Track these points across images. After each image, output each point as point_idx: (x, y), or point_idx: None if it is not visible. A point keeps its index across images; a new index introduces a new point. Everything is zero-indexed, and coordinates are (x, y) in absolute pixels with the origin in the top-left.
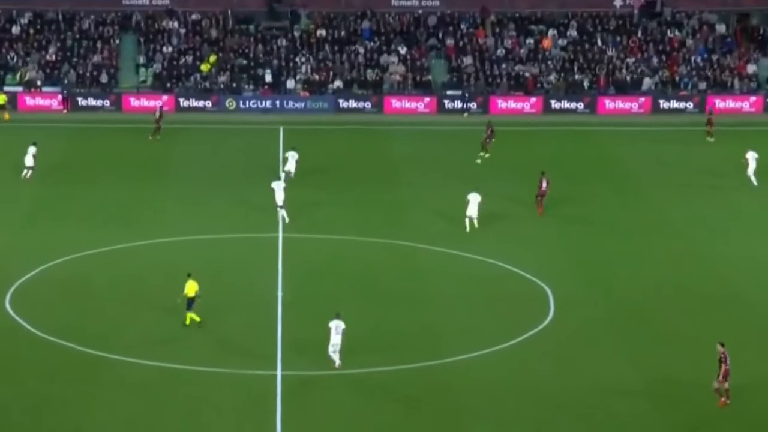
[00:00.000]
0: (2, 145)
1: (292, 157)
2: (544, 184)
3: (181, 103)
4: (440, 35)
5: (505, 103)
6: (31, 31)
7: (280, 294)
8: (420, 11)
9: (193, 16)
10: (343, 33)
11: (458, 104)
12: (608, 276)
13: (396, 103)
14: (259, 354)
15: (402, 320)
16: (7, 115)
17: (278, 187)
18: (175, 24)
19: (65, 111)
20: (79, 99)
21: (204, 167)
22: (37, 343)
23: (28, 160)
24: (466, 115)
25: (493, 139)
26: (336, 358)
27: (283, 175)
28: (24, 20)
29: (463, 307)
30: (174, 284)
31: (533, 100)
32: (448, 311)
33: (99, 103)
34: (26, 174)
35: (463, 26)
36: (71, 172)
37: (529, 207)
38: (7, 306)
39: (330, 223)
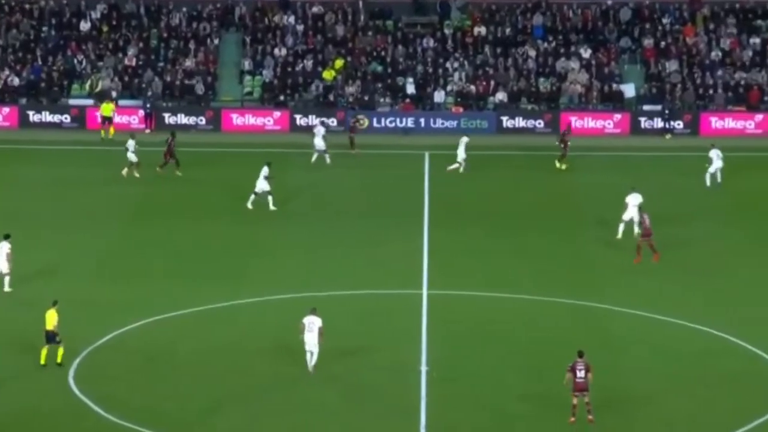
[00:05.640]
0: (70, 176)
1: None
2: (647, 221)
3: (297, 121)
4: (635, 33)
5: (721, 122)
6: (105, 28)
7: (423, 369)
8: (609, 2)
9: (314, 9)
10: (508, 31)
11: (658, 123)
12: None
13: (576, 121)
14: None
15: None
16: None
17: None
18: (291, 19)
19: (148, 130)
20: (166, 115)
21: (325, 204)
22: (109, 429)
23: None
24: (668, 137)
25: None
26: (309, 360)
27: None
28: (96, 14)
29: (666, 389)
30: (284, 354)
31: (759, 117)
32: (647, 395)
33: (191, 120)
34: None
35: (666, 21)
36: (155, 210)
37: (757, 260)
38: (71, 382)
39: (491, 277)
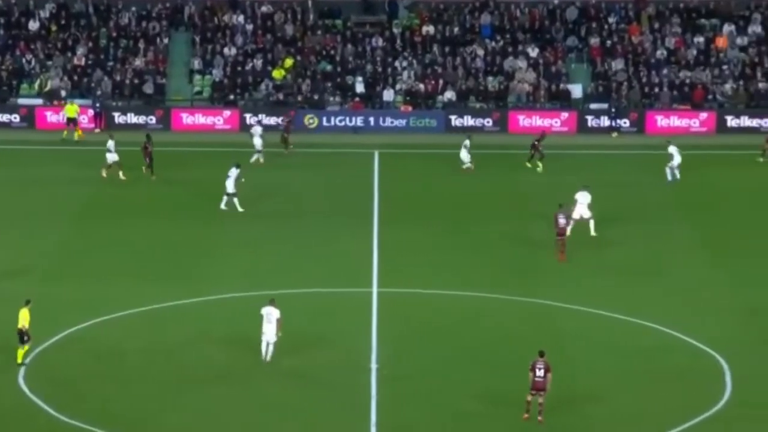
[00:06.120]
0: (19, 176)
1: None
2: (562, 220)
3: (248, 120)
4: (582, 32)
5: (666, 120)
6: (54, 27)
7: (374, 366)
8: (556, 1)
9: (263, 8)
10: (456, 30)
11: (605, 121)
12: None
13: (524, 120)
14: None
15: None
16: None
17: (232, 174)
18: (240, 18)
19: (98, 129)
20: (116, 114)
21: (275, 203)
22: (59, 429)
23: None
24: (615, 135)
25: None
26: (263, 350)
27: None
28: (45, 13)
29: (610, 383)
30: (234, 351)
31: (703, 116)
32: (593, 389)
33: (141, 119)
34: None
35: (612, 20)
36: (106, 210)
37: (702, 256)
38: (21, 381)
39: (441, 275)
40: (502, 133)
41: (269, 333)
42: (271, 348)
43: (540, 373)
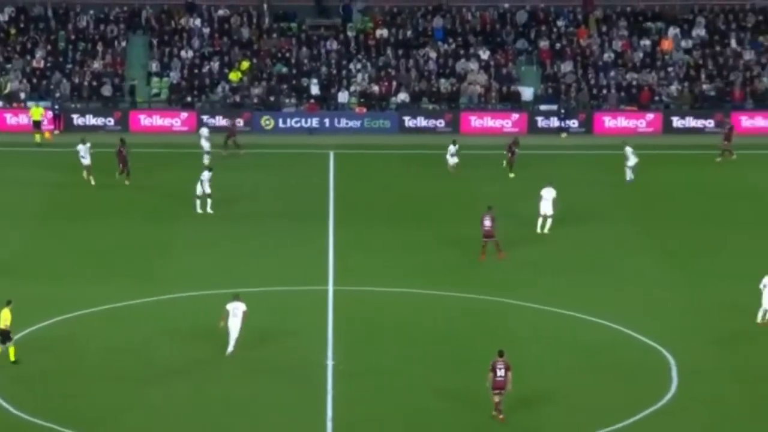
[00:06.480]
0: None
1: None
2: (488, 222)
3: (204, 122)
4: (532, 35)
5: (613, 121)
6: (13, 30)
7: (329, 363)
8: (506, 5)
9: (220, 12)
10: (409, 33)
11: (554, 122)
12: (748, 343)
13: (476, 120)
14: None
15: (487, 396)
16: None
17: (205, 178)
18: (197, 22)
19: (57, 131)
20: (75, 116)
21: (232, 203)
22: (20, 428)
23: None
24: (564, 135)
25: None
26: (231, 343)
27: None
28: (3, 17)
29: (561, 379)
30: (193, 350)
31: (650, 116)
32: (543, 384)
33: (100, 121)
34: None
35: (560, 24)
36: (65, 210)
37: (650, 254)
38: None
39: (394, 273)
40: (454, 134)
41: (235, 327)
42: (233, 342)
43: (501, 372)
